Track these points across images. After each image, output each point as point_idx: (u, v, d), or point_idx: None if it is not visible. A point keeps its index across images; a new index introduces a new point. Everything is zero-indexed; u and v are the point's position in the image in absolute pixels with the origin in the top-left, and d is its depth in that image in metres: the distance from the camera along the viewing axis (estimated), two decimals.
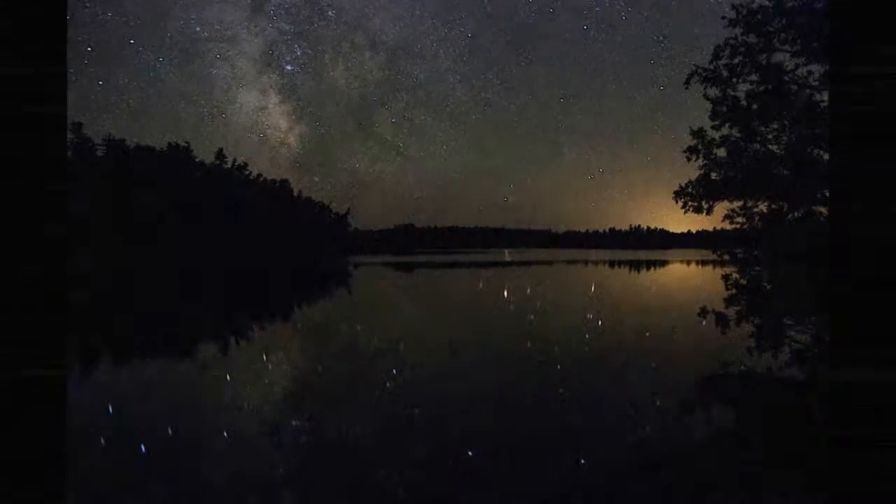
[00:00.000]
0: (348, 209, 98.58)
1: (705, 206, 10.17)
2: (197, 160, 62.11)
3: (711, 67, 9.71)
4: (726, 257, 10.47)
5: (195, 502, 3.86)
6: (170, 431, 5.10)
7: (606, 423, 5.47)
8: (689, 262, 54.76)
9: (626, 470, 4.25)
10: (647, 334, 10.71)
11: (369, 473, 4.20)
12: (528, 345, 9.65)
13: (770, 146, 9.60)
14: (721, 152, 10.05)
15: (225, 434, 5.04)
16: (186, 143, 60.81)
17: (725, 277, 10.14)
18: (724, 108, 9.67)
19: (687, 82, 10.02)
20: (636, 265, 48.94)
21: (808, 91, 9.08)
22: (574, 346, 9.69)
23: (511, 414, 5.75)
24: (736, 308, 9.51)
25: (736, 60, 9.51)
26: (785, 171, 9.26)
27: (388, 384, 6.89)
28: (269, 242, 63.99)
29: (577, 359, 8.58)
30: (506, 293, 20.64)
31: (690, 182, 10.33)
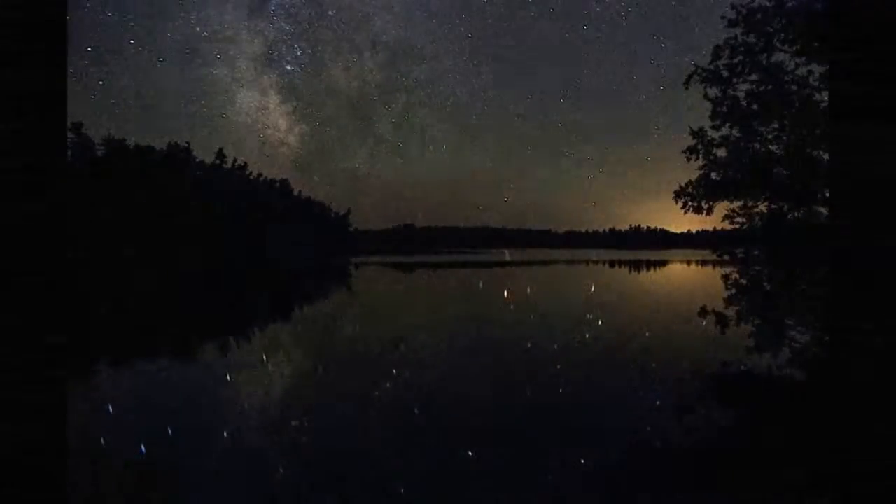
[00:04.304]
0: (348, 209, 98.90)
1: (705, 206, 10.19)
2: (197, 160, 62.19)
3: (711, 67, 9.71)
4: (726, 257, 10.48)
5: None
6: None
7: (601, 421, 5.47)
8: (689, 263, 54.74)
9: (626, 468, 4.25)
10: (647, 334, 10.71)
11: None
12: (528, 345, 9.66)
13: (770, 146, 9.61)
14: (721, 152, 10.06)
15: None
16: (187, 143, 60.92)
17: (725, 277, 10.15)
18: (724, 108, 9.67)
19: (687, 82, 10.02)
20: (636, 265, 48.91)
21: (807, 91, 9.09)
22: (573, 347, 9.68)
23: (508, 413, 5.75)
24: (736, 308, 9.51)
25: (736, 60, 9.51)
26: (785, 171, 9.28)
27: (386, 384, 6.89)
28: (268, 243, 63.99)
29: (576, 359, 8.57)
30: (506, 293, 20.64)
31: (690, 182, 10.34)
